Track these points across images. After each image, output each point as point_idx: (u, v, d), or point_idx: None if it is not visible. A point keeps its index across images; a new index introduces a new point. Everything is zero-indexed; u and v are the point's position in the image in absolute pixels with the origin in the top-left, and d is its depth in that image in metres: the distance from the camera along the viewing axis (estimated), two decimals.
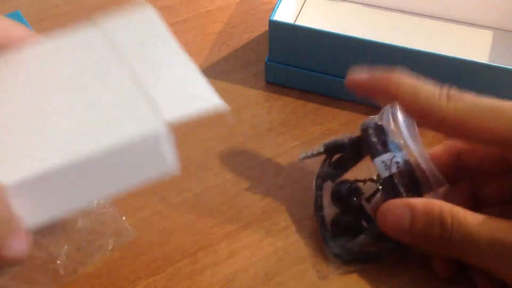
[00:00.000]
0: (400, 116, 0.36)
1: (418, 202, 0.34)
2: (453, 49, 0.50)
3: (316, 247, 0.39)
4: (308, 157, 0.41)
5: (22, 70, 0.26)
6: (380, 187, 0.36)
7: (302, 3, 0.58)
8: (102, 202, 0.33)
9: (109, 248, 0.37)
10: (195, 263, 0.38)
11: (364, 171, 0.39)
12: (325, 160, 0.41)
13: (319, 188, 0.40)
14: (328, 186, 0.40)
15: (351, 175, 0.40)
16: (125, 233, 0.38)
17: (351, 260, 0.38)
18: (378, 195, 0.37)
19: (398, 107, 0.36)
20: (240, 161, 0.45)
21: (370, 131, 0.37)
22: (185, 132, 0.46)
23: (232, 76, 0.53)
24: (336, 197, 0.40)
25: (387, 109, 0.37)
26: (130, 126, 0.24)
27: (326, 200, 0.40)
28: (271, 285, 0.37)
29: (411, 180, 0.35)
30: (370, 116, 0.38)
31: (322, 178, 0.40)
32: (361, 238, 0.37)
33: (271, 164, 0.45)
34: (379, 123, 0.38)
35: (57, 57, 0.27)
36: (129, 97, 0.25)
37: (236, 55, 0.55)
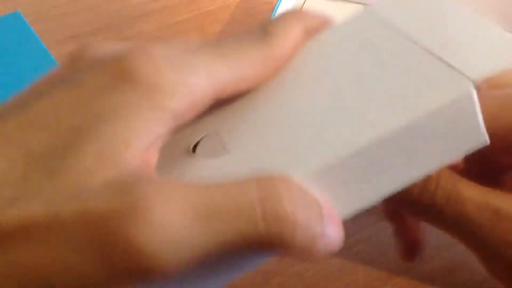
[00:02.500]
0: None
1: None
2: None
3: None
4: None
5: (309, 64, 0.23)
6: None
7: (302, 3, 0.58)
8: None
9: None
10: None
11: None
12: None
13: None
14: None
15: None
16: None
17: None
18: None
19: None
20: None
21: None
22: None
23: None
24: None
25: None
26: (434, 92, 0.20)
27: None
28: (271, 285, 0.37)
29: None
30: None
31: None
32: None
33: None
34: None
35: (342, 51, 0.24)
36: (426, 69, 0.21)
37: None
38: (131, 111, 0.18)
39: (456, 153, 0.21)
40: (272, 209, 0.18)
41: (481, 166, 0.28)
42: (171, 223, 0.17)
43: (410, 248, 0.33)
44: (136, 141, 0.18)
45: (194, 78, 0.19)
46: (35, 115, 0.18)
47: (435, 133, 0.21)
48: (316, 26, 0.25)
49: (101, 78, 0.19)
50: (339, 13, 0.57)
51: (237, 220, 0.18)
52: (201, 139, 0.22)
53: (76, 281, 0.16)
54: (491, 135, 0.22)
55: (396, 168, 0.21)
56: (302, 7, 0.57)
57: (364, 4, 0.58)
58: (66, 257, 0.16)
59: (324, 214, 0.20)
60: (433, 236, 0.32)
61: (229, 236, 0.18)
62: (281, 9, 0.50)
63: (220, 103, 0.22)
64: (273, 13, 0.49)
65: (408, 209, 0.28)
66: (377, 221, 0.41)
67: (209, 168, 0.21)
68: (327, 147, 0.20)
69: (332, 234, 0.20)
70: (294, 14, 0.24)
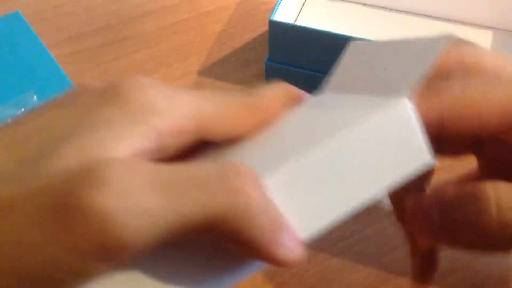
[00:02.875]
0: None
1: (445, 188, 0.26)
2: None
3: (316, 246, 0.39)
4: None
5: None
6: None
7: (302, 3, 0.58)
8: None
9: None
10: None
11: None
12: None
13: None
14: None
15: None
16: None
17: None
18: None
19: None
20: None
21: None
22: None
23: (232, 76, 0.53)
24: None
25: None
26: (371, 111, 0.21)
27: None
28: (271, 285, 0.37)
29: None
30: None
31: None
32: None
33: None
34: None
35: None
36: (363, 101, 0.23)
37: (236, 55, 0.55)
38: (116, 122, 0.19)
39: (403, 173, 0.21)
40: (231, 183, 0.18)
41: (501, 165, 0.27)
42: (129, 190, 0.17)
43: (426, 269, 0.31)
44: (116, 147, 0.18)
45: (179, 105, 0.20)
46: (26, 126, 0.19)
47: (376, 148, 0.21)
48: (297, 95, 0.26)
49: (92, 98, 0.20)
50: (339, 13, 0.57)
51: (195, 191, 0.18)
52: None
53: (42, 260, 0.16)
54: None
55: (343, 184, 0.21)
56: (302, 7, 0.57)
57: (364, 4, 0.58)
58: (31, 235, 0.16)
59: (281, 224, 0.20)
60: None
61: (188, 207, 0.18)
62: (281, 9, 0.50)
63: (202, 150, 0.23)
64: (273, 13, 0.49)
65: (475, 246, 0.26)
66: (377, 221, 0.41)
67: None
68: (285, 156, 0.21)
69: (289, 246, 0.20)
70: (278, 82, 0.26)
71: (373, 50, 0.26)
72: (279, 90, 0.25)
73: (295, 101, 0.26)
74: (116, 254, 0.17)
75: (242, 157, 0.22)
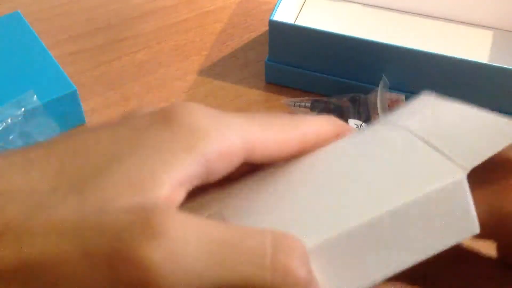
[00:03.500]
0: (385, 94, 0.41)
1: None
2: (453, 49, 0.50)
3: None
4: (293, 105, 0.47)
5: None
6: None
7: (302, 3, 0.58)
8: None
9: None
10: None
11: None
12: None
13: None
14: None
15: None
16: None
17: None
18: None
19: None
20: None
21: (355, 101, 0.45)
22: None
23: (232, 76, 0.53)
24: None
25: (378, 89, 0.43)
26: (428, 179, 0.22)
27: None
28: None
29: None
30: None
31: None
32: None
33: None
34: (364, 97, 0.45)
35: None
36: (420, 156, 0.23)
37: (236, 55, 0.55)
38: (165, 147, 0.19)
39: (448, 240, 0.22)
40: (282, 262, 0.18)
41: None
42: (182, 248, 0.17)
43: None
44: (166, 174, 0.19)
45: (228, 130, 0.20)
46: (75, 143, 0.19)
47: (427, 218, 0.21)
48: (343, 129, 0.26)
49: (144, 120, 0.20)
50: (339, 13, 0.57)
51: (246, 263, 0.18)
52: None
53: (79, 284, 0.17)
54: None
55: (390, 250, 0.22)
56: (302, 7, 0.57)
57: (364, 4, 0.58)
58: (76, 262, 0.17)
59: None
60: None
61: (235, 277, 0.18)
62: (281, 9, 0.50)
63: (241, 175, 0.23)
64: (273, 13, 0.49)
65: None
66: None
67: None
68: (330, 222, 0.21)
69: None
70: (326, 115, 0.26)
71: (446, 109, 0.26)
72: (326, 120, 0.25)
73: (342, 134, 0.25)
74: None
75: (291, 208, 0.22)
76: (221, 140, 0.20)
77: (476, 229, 0.22)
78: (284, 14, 0.52)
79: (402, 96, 0.46)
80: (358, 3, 0.58)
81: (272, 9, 0.49)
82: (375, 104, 0.44)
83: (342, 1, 0.58)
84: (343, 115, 0.46)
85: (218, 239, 0.18)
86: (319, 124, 0.24)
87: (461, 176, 0.21)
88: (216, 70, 0.53)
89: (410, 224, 0.21)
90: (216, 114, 0.21)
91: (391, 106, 0.45)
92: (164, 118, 0.20)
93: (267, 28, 0.50)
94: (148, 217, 0.17)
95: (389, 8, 0.58)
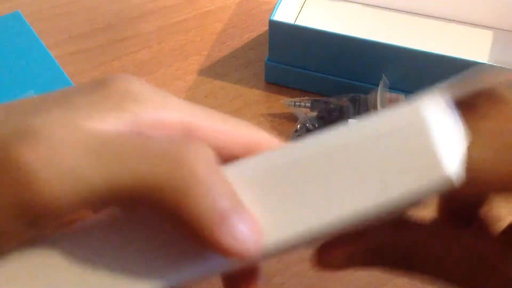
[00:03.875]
0: (385, 94, 0.43)
1: None
2: (453, 49, 0.50)
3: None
4: (293, 105, 0.48)
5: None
6: None
7: (302, 3, 0.58)
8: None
9: None
10: None
11: None
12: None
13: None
14: None
15: None
16: None
17: None
18: None
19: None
20: None
21: (355, 101, 0.46)
22: None
23: (232, 76, 0.53)
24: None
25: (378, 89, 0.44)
26: (385, 118, 0.18)
27: None
28: (271, 285, 0.37)
29: None
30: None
31: (303, 128, 0.47)
32: None
33: None
34: (364, 97, 0.46)
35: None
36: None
37: (236, 55, 0.55)
38: (91, 106, 0.18)
39: (405, 186, 0.18)
40: (174, 155, 0.17)
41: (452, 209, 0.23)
42: (60, 147, 0.16)
43: None
44: (84, 120, 0.17)
45: (165, 103, 0.19)
46: (11, 103, 0.19)
47: (380, 154, 0.18)
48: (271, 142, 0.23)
49: (75, 87, 0.19)
50: (339, 13, 0.57)
51: (133, 158, 0.17)
52: None
53: None
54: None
55: (334, 191, 0.18)
56: (302, 7, 0.57)
57: (364, 4, 0.58)
58: None
59: (237, 207, 0.18)
60: None
61: (118, 172, 0.16)
62: (281, 9, 0.50)
63: None
64: (273, 13, 0.49)
65: None
66: None
67: None
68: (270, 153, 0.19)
69: (243, 233, 0.17)
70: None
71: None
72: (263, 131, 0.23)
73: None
74: (37, 213, 0.16)
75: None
76: (156, 109, 0.19)
77: (445, 173, 0.17)
78: (284, 14, 0.52)
79: (402, 96, 0.46)
80: (358, 3, 0.58)
81: (272, 9, 0.49)
82: (375, 104, 0.44)
83: (342, 1, 0.58)
84: (343, 115, 0.46)
85: (106, 142, 0.17)
86: (257, 129, 0.22)
87: (418, 103, 0.18)
88: (216, 70, 0.54)
89: (359, 160, 0.18)
90: (157, 89, 0.20)
91: (391, 106, 0.46)
92: (97, 83, 0.19)
93: (267, 28, 0.50)
94: (26, 122, 0.17)
95: (389, 8, 0.58)
